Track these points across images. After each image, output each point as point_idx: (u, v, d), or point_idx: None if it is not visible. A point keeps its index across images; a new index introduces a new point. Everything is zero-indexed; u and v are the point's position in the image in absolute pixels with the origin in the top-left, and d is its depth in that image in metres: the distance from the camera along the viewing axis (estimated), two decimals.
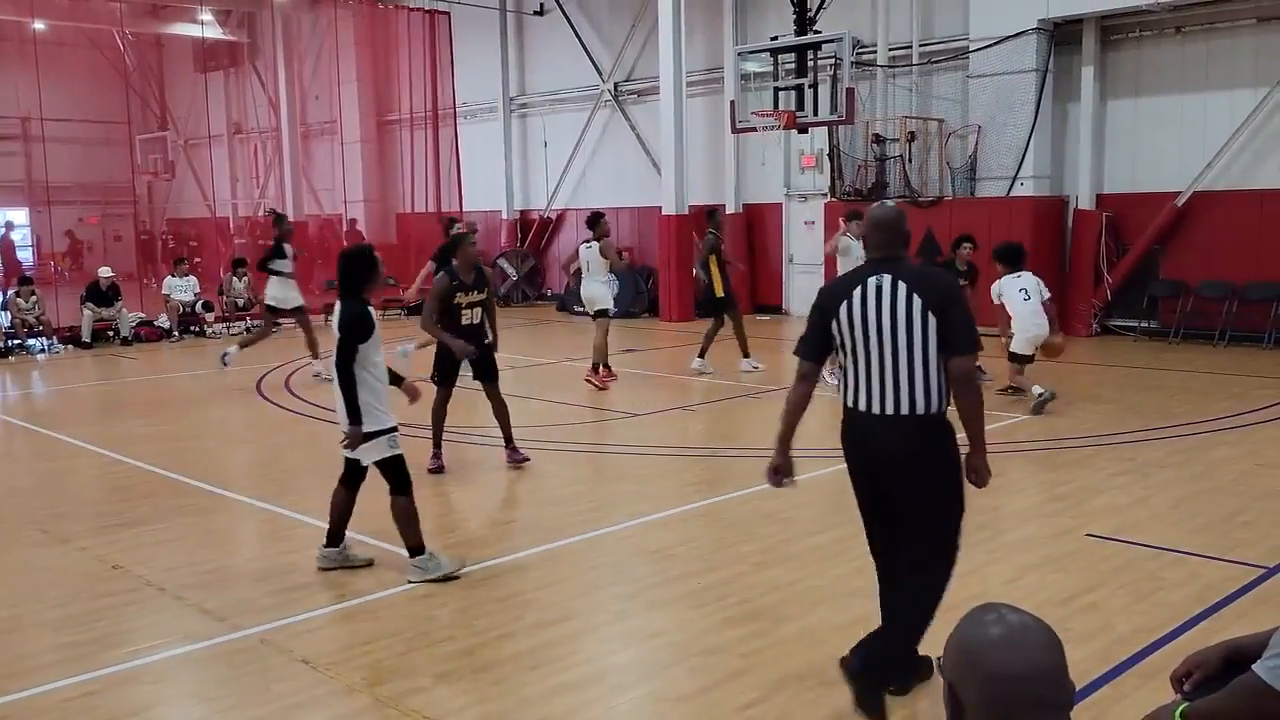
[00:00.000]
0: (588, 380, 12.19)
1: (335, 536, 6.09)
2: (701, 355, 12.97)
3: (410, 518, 5.87)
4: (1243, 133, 14.61)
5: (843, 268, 11.52)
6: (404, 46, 24.11)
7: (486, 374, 8.30)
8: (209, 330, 18.61)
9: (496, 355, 8.48)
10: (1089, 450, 8.56)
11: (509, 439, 8.47)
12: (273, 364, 14.64)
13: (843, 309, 4.09)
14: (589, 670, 4.70)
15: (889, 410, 4.04)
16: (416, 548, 5.87)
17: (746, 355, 12.93)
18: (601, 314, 12.30)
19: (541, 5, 22.90)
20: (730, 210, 19.64)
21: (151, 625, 5.35)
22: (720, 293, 12.82)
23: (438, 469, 8.26)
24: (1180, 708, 2.44)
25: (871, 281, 4.05)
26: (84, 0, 25.14)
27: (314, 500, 7.73)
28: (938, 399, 4.04)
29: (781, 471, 4.35)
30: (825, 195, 18.41)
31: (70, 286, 21.16)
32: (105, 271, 17.90)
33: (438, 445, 8.35)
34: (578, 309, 20.94)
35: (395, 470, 5.84)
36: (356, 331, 5.63)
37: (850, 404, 4.18)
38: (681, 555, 6.21)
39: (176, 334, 18.08)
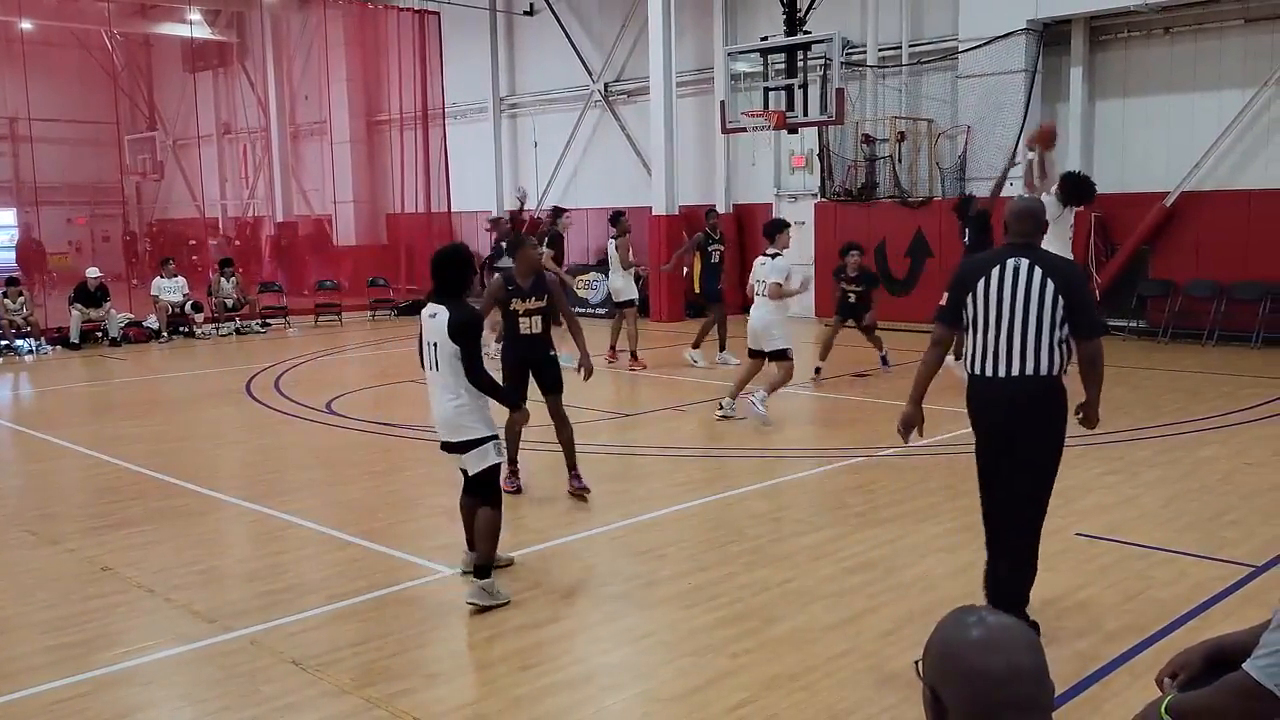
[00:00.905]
0: (632, 368, 13.35)
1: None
2: (721, 348, 13.79)
3: (493, 533, 5.54)
4: (1230, 133, 14.68)
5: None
6: (394, 46, 24.09)
7: (549, 387, 7.53)
8: (198, 331, 18.55)
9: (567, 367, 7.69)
10: (1078, 450, 8.57)
11: (571, 464, 7.64)
12: (264, 364, 14.62)
13: (980, 284, 4.59)
14: (579, 670, 4.70)
15: (1023, 372, 4.55)
16: (485, 568, 5.49)
17: (696, 346, 13.73)
18: (627, 304, 13.61)
19: (531, 5, 22.89)
20: (720, 211, 19.65)
21: (141, 627, 5.33)
22: (697, 288, 14.43)
23: (514, 489, 7.59)
24: (1166, 701, 2.45)
25: (1010, 263, 4.56)
26: (72, 0, 25.05)
27: (303, 501, 7.74)
28: (1058, 362, 4.57)
29: (913, 423, 4.91)
30: (815, 195, 18.45)
31: (39, 290, 21.00)
32: (93, 272, 17.83)
33: (513, 463, 7.64)
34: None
35: (490, 480, 5.59)
36: (477, 334, 5.54)
37: (981, 371, 4.64)
38: (672, 555, 6.21)
39: (165, 335, 18.02)
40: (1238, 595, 5.40)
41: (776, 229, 10.34)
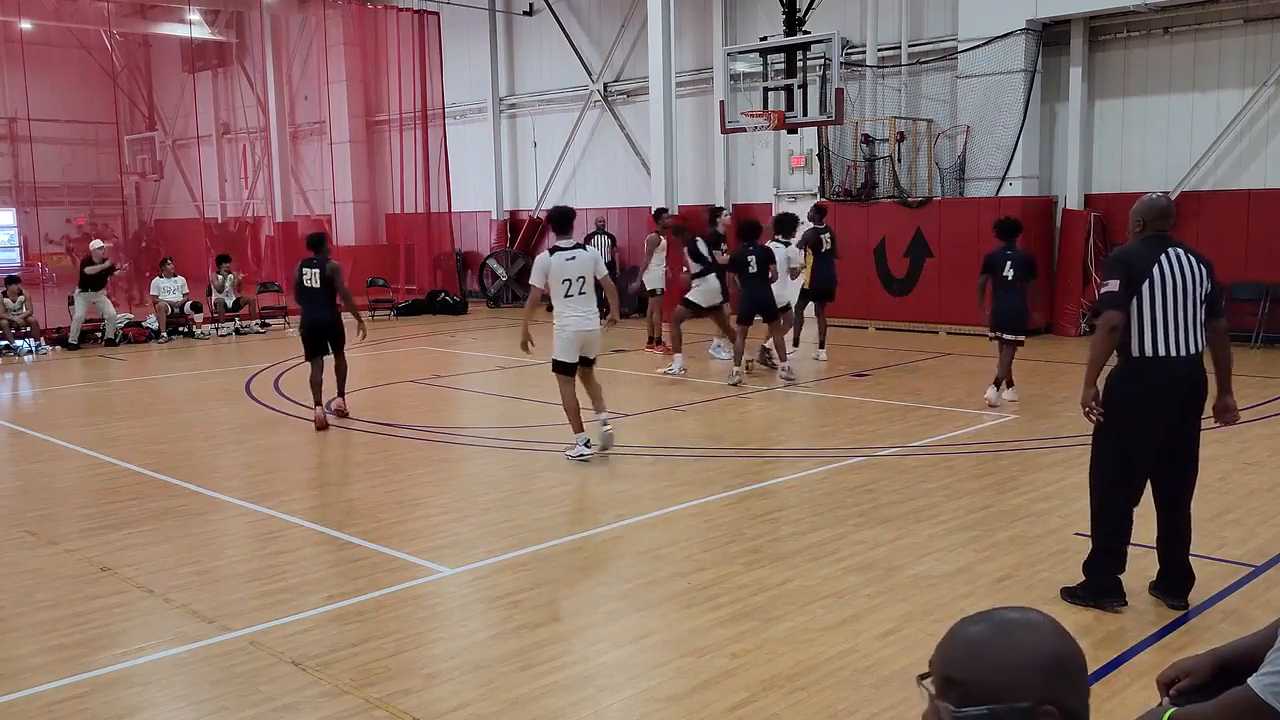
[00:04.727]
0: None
1: None
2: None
3: None
4: (1230, 133, 14.69)
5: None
6: (393, 46, 24.10)
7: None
8: (197, 331, 18.55)
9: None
10: (1077, 449, 8.58)
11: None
12: (262, 365, 14.62)
13: (1155, 271, 5.04)
14: (579, 671, 4.70)
15: (1197, 349, 5.11)
16: None
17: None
18: (650, 294, 15.11)
19: (530, 5, 22.90)
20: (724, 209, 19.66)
21: (140, 627, 5.33)
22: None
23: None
24: (1168, 713, 2.43)
25: (1172, 252, 5.12)
26: (71, 0, 25.05)
27: (304, 501, 7.75)
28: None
29: (1096, 401, 5.15)
30: (815, 195, 18.43)
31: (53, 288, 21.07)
32: (96, 245, 17.80)
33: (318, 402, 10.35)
34: None
35: None
36: None
37: (1167, 352, 5.04)
38: (671, 555, 6.21)
39: (165, 335, 18.01)
40: (1238, 595, 5.40)
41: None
